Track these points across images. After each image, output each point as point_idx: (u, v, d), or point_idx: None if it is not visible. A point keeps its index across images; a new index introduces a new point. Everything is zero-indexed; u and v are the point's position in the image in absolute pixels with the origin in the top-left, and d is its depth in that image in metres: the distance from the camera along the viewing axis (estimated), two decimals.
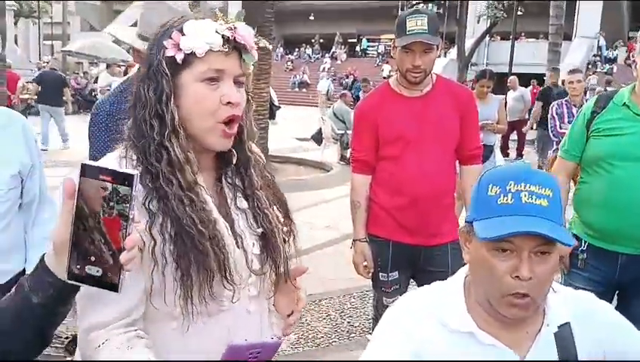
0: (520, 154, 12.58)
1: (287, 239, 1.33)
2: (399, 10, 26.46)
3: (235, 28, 1.16)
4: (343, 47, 36.94)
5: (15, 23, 29.48)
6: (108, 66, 12.77)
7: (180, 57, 1.14)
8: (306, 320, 4.01)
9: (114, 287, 0.91)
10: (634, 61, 2.40)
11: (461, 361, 1.14)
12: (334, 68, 33.12)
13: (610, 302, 2.47)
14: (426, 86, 2.61)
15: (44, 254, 0.97)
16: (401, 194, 2.61)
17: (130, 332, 1.12)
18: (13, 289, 1.00)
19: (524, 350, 1.16)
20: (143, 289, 1.14)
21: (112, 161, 1.16)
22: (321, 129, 12.15)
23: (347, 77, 28.67)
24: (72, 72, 22.77)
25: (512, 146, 12.79)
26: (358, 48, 37.16)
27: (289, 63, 34.37)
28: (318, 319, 4.04)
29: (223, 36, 1.15)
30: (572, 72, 5.96)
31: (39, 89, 12.05)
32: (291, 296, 1.36)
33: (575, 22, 27.59)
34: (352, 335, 3.83)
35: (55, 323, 1.01)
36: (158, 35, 1.19)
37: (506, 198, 1.08)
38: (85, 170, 0.88)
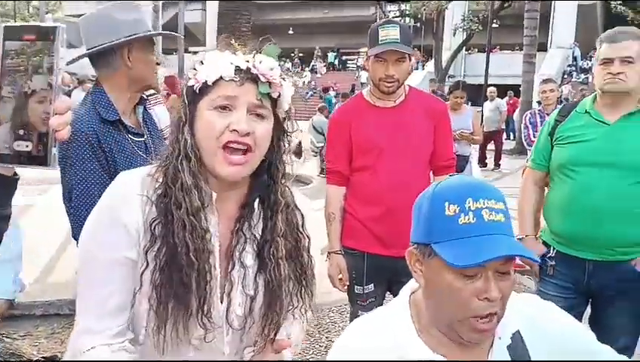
0: (497, 164, 12.71)
1: (298, 298, 1.30)
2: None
3: (254, 59, 1.19)
4: (322, 60, 37.13)
5: None
6: (81, 82, 12.61)
7: (197, 86, 1.19)
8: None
9: (43, 161, 0.83)
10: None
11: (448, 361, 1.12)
12: (314, 81, 33.26)
13: (584, 310, 2.47)
14: (399, 97, 2.62)
15: None
16: (376, 205, 2.59)
17: (116, 344, 1.15)
18: None
19: None
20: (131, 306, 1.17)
21: (138, 177, 1.20)
22: (300, 142, 12.14)
23: (326, 91, 28.79)
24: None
25: (489, 156, 12.90)
26: (335, 61, 37.27)
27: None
28: None
29: (237, 67, 1.18)
30: (545, 81, 6.05)
31: None
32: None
33: (550, 33, 28.08)
34: (330, 351, 3.77)
35: None
36: (191, 68, 1.24)
37: (467, 218, 1.04)
38: (6, 32, 0.83)
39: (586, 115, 2.43)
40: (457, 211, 1.05)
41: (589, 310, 2.53)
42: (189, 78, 1.21)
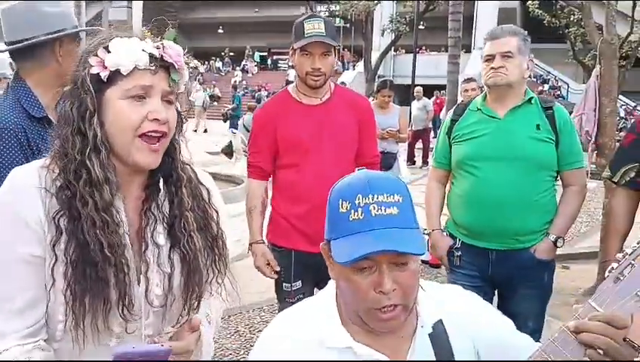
0: (425, 162, 13.04)
1: (214, 268, 1.29)
2: None
3: (163, 46, 1.17)
4: (253, 60, 36.89)
5: None
6: None
7: (104, 75, 1.15)
8: (214, 338, 3.90)
9: None
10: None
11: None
12: (246, 81, 33.00)
13: (491, 299, 2.59)
14: (324, 94, 2.64)
15: None
16: (301, 202, 2.60)
17: (29, 344, 1.12)
18: None
19: (402, 355, 1.16)
20: (46, 302, 1.14)
21: (33, 170, 1.16)
22: (231, 142, 12.02)
23: (259, 90, 28.65)
24: None
25: (418, 154, 13.23)
26: (259, 60, 36.93)
27: (199, 77, 33.83)
28: (226, 336, 3.96)
29: (150, 55, 1.16)
30: (466, 80, 6.27)
31: None
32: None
33: (473, 35, 29.08)
34: None
35: None
36: (84, 53, 1.19)
37: (356, 214, 1.07)
38: None
39: (478, 111, 2.55)
40: (348, 208, 1.08)
41: (496, 300, 2.64)
42: (91, 65, 1.15)
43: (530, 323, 2.42)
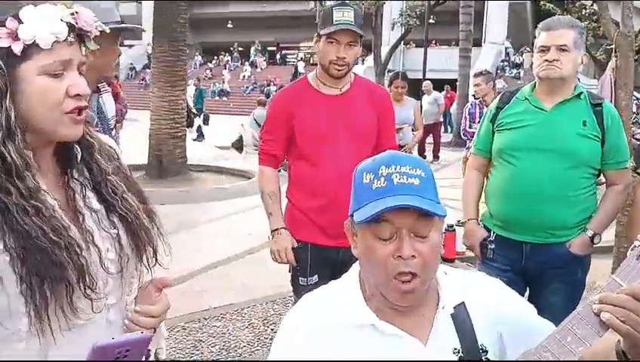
0: (436, 156, 13.01)
1: (150, 226, 1.23)
2: (316, 19, 26.77)
3: (77, 13, 1.06)
4: (262, 55, 36.86)
5: None
6: None
7: (18, 49, 1.01)
8: (228, 330, 3.92)
9: None
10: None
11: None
12: (254, 76, 33.00)
13: (523, 293, 2.57)
14: (345, 84, 2.61)
15: None
16: (319, 195, 2.58)
17: None
18: None
19: (424, 335, 1.17)
20: None
21: None
22: (241, 136, 12.05)
23: (268, 85, 28.67)
24: None
25: (428, 149, 13.19)
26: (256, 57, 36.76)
27: (208, 72, 33.91)
28: (240, 328, 3.96)
29: (67, 24, 1.04)
30: (477, 75, 6.23)
31: None
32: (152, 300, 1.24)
33: (483, 29, 28.92)
34: None
35: None
36: None
37: (379, 182, 1.11)
38: None
39: (525, 101, 2.51)
40: (372, 178, 1.12)
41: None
42: None
43: (559, 318, 2.40)
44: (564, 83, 2.43)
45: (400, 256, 1.09)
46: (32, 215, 1.02)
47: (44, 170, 1.11)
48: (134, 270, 1.22)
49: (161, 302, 1.22)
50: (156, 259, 1.23)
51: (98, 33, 1.12)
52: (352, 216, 1.17)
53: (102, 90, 2.44)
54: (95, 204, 1.16)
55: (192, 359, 3.51)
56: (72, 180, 1.15)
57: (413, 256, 1.09)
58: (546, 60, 2.38)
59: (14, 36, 1.01)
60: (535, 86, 2.52)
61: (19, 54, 1.01)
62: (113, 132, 2.59)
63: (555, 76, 2.39)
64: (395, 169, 1.11)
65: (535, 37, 2.52)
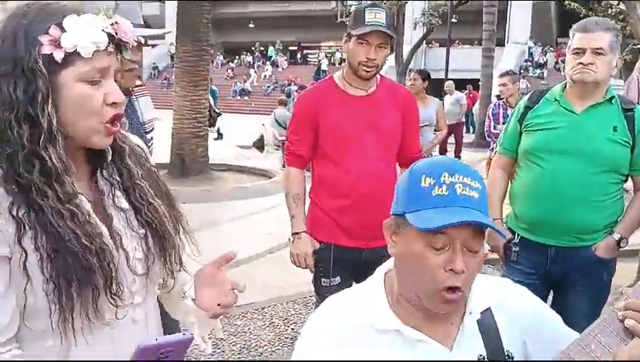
0: (458, 157, 12.90)
1: (177, 230, 1.26)
2: (337, 19, 26.76)
3: (117, 24, 1.09)
4: (284, 54, 36.94)
5: None
6: None
7: (60, 56, 1.03)
8: (249, 328, 3.94)
9: None
10: (562, 61, 2.49)
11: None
12: (275, 75, 33.10)
13: (547, 296, 2.54)
14: (371, 86, 2.60)
15: None
16: (342, 195, 2.57)
17: (5, 354, 1.04)
18: None
19: (450, 341, 1.16)
20: (14, 305, 1.05)
21: None
22: (262, 136, 12.08)
23: (289, 84, 28.73)
24: None
25: (450, 149, 13.10)
26: (275, 57, 36.79)
27: (229, 71, 34.10)
28: (261, 327, 3.98)
29: (108, 34, 1.07)
30: (503, 75, 6.16)
31: None
32: (220, 288, 1.27)
33: (507, 28, 28.62)
34: (297, 342, 3.77)
35: None
36: (20, 27, 1.05)
37: (440, 189, 1.08)
38: None
39: (556, 102, 2.46)
40: (432, 183, 1.09)
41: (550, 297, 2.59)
42: (42, 44, 1.03)
43: (584, 322, 2.36)
44: (597, 87, 2.39)
45: (452, 270, 1.07)
46: (67, 219, 1.04)
47: (76, 171, 1.12)
48: (160, 270, 1.23)
49: (231, 295, 1.27)
50: (180, 265, 1.25)
51: (135, 44, 1.14)
52: (399, 215, 1.14)
53: (138, 92, 2.43)
54: (124, 203, 1.18)
55: (213, 359, 3.53)
56: (102, 180, 1.18)
57: (463, 270, 1.07)
58: (581, 63, 2.33)
59: (57, 44, 1.04)
60: (565, 87, 2.48)
61: (60, 62, 1.04)
62: (150, 135, 2.57)
63: (590, 80, 2.34)
64: (459, 178, 1.09)
65: (558, 37, 2.48)
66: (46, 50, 1.03)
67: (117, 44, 1.10)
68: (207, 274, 1.28)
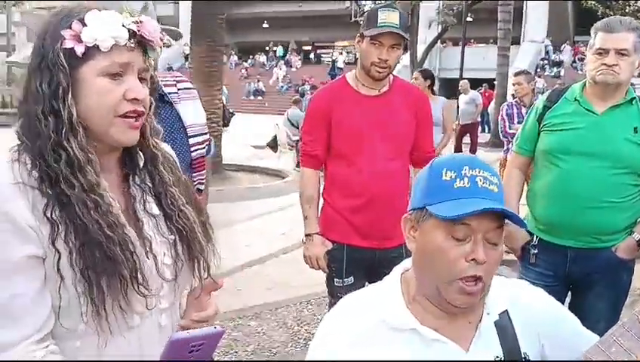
0: None
1: (207, 238, 1.27)
2: (351, 18, 26.72)
3: (141, 22, 1.11)
4: (297, 53, 37.00)
5: None
6: None
7: (80, 50, 1.07)
8: (263, 329, 3.93)
9: None
10: (582, 60, 2.45)
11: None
12: (289, 75, 33.15)
13: (564, 298, 2.51)
14: (384, 86, 2.58)
15: None
16: (355, 196, 2.56)
17: (41, 350, 1.05)
18: None
19: (467, 341, 1.15)
20: (50, 305, 1.07)
21: (4, 167, 1.06)
22: (276, 136, 12.10)
23: (303, 84, 28.76)
24: (17, 83, 22.06)
25: (465, 149, 13.02)
26: (285, 56, 36.78)
27: (243, 71, 34.21)
28: (274, 328, 3.97)
29: (129, 30, 1.09)
30: (517, 73, 6.11)
31: None
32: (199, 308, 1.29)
33: (523, 27, 28.40)
34: (310, 342, 3.74)
35: None
36: (52, 23, 1.10)
37: (462, 182, 1.10)
38: None
39: (575, 102, 2.42)
40: (454, 177, 1.11)
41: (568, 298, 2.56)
42: (64, 39, 1.07)
43: (602, 323, 2.33)
44: (619, 88, 2.34)
45: (473, 260, 1.08)
46: (91, 209, 1.06)
47: (108, 174, 1.15)
48: (187, 277, 1.25)
49: (211, 307, 1.28)
50: (208, 272, 1.26)
51: (162, 44, 1.16)
52: (420, 209, 1.14)
53: (180, 97, 2.31)
54: (155, 209, 1.21)
55: (226, 359, 3.53)
56: (134, 186, 1.20)
57: (484, 261, 1.08)
58: (604, 64, 2.28)
59: (78, 39, 1.07)
60: (584, 86, 2.43)
61: (80, 55, 1.07)
62: (210, 143, 2.48)
63: (613, 82, 2.30)
64: (479, 172, 1.11)
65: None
66: (68, 44, 1.07)
67: (140, 43, 1.12)
68: (197, 297, 1.28)
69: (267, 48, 37.22)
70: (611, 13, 17.31)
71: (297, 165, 10.73)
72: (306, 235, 2.66)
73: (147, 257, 1.14)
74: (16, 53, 19.18)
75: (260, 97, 31.07)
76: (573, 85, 2.52)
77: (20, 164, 1.07)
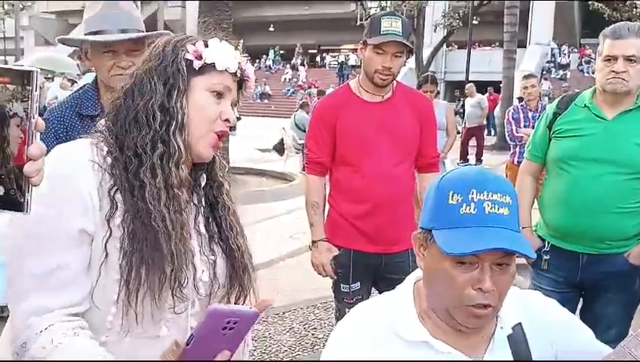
0: (479, 160, 12.81)
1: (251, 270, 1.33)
2: (357, 22, 26.73)
3: (246, 62, 1.26)
4: (303, 57, 37.03)
5: None
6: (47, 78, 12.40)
7: (198, 64, 1.19)
8: (269, 333, 3.93)
9: (19, 207, 0.79)
10: (588, 62, 2.44)
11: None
12: (295, 79, 33.18)
13: (576, 304, 2.50)
14: (387, 92, 2.59)
15: None
16: (361, 201, 2.57)
17: (75, 321, 1.09)
18: None
19: (479, 354, 1.14)
20: (90, 286, 1.12)
21: (85, 145, 1.15)
22: (282, 139, 12.12)
23: (309, 87, 28.79)
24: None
25: (472, 152, 13.01)
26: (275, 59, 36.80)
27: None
28: (281, 332, 3.97)
29: (238, 63, 1.23)
30: (526, 77, 6.07)
31: None
32: None
33: (529, 29, 28.33)
34: (317, 347, 3.76)
35: None
36: (173, 38, 1.24)
37: (468, 208, 1.05)
38: None
39: (585, 108, 2.41)
40: (460, 201, 1.06)
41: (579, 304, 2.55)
42: (187, 52, 1.19)
43: (614, 329, 2.32)
44: (629, 94, 2.34)
45: (480, 289, 1.05)
46: (163, 201, 1.13)
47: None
48: (222, 300, 1.28)
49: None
50: (244, 302, 1.30)
51: (253, 86, 1.30)
52: (428, 231, 1.12)
53: None
54: (202, 228, 1.27)
55: None
56: (191, 203, 1.26)
57: (493, 289, 1.05)
58: (613, 72, 2.28)
59: (198, 55, 1.19)
60: (594, 92, 2.43)
61: (197, 69, 1.20)
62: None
63: (623, 91, 2.29)
64: (487, 196, 1.05)
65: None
66: (189, 56, 1.19)
67: (240, 80, 1.26)
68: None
69: (273, 51, 37.25)
70: (618, 15, 17.25)
71: (303, 168, 10.67)
72: (313, 242, 2.67)
73: (187, 268, 1.18)
74: (25, 57, 19.27)
75: (266, 100, 31.12)
76: (584, 92, 2.52)
77: (98, 148, 1.15)
